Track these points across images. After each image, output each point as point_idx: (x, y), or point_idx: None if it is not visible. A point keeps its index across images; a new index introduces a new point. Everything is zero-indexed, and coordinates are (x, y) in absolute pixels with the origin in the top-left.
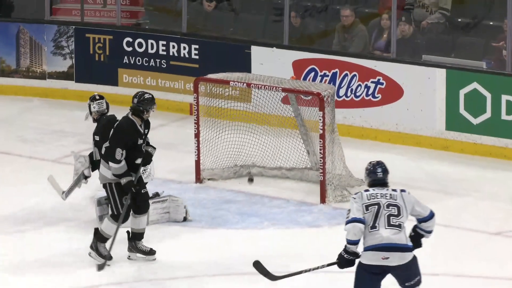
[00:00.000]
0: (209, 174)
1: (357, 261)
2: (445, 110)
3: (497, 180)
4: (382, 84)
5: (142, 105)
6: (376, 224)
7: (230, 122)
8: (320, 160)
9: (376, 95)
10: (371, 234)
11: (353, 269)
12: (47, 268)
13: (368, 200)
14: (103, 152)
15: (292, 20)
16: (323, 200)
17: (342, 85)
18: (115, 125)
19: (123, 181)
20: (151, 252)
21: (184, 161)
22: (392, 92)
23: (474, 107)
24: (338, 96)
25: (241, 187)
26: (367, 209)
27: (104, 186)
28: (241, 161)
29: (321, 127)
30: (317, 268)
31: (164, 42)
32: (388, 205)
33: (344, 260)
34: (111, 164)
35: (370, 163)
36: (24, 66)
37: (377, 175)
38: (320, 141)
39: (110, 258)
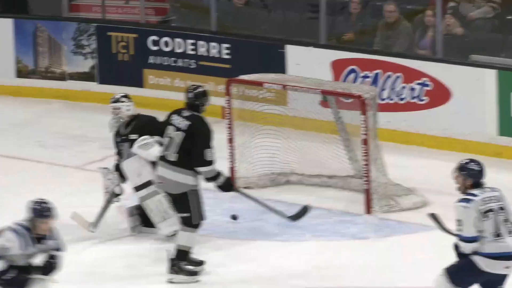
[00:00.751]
0: (244, 182)
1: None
2: (497, 114)
3: None
4: (428, 86)
5: (199, 99)
6: (500, 232)
7: (265, 126)
8: (364, 168)
9: (422, 98)
10: (495, 241)
11: None
12: (81, 280)
13: (483, 206)
14: (173, 158)
15: (353, 6)
16: (368, 210)
17: (385, 87)
18: (192, 126)
19: (221, 180)
20: (201, 263)
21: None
22: (439, 94)
23: None
24: (381, 99)
25: (279, 196)
26: (484, 216)
27: (183, 195)
28: (277, 168)
29: (364, 132)
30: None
31: (193, 41)
32: (499, 209)
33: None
34: (202, 168)
35: (470, 162)
36: (43, 66)
37: (480, 177)
38: (363, 147)
39: (197, 273)
